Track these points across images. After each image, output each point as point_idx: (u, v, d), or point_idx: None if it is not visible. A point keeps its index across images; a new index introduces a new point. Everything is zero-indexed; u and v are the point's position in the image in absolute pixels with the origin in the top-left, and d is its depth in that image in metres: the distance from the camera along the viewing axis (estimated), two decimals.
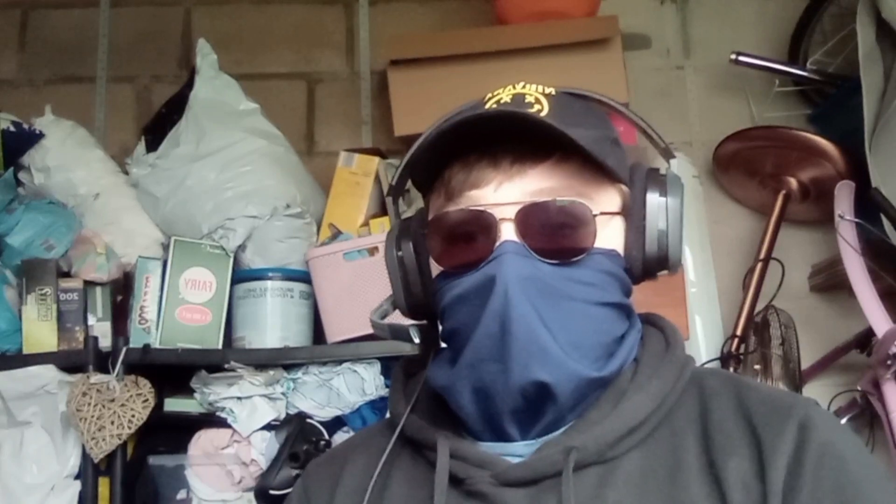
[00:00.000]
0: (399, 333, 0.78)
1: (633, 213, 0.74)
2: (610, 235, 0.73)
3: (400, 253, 0.79)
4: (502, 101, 0.73)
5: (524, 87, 0.75)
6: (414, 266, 0.78)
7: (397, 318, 0.81)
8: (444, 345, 0.77)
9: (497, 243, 0.69)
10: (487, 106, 0.73)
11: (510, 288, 0.67)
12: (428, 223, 0.75)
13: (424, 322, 0.81)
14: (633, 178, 0.76)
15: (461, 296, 0.71)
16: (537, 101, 0.72)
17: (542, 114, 0.70)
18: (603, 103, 0.80)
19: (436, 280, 0.75)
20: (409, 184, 0.84)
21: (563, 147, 0.69)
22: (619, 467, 0.68)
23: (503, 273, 0.68)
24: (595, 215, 0.71)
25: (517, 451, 0.72)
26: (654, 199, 0.74)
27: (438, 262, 0.74)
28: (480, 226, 0.70)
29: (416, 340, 0.76)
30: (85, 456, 1.69)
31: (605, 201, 0.73)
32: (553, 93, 0.75)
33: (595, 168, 0.71)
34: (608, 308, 0.72)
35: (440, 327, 0.77)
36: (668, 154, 0.80)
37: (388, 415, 0.82)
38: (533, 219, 0.69)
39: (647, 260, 0.74)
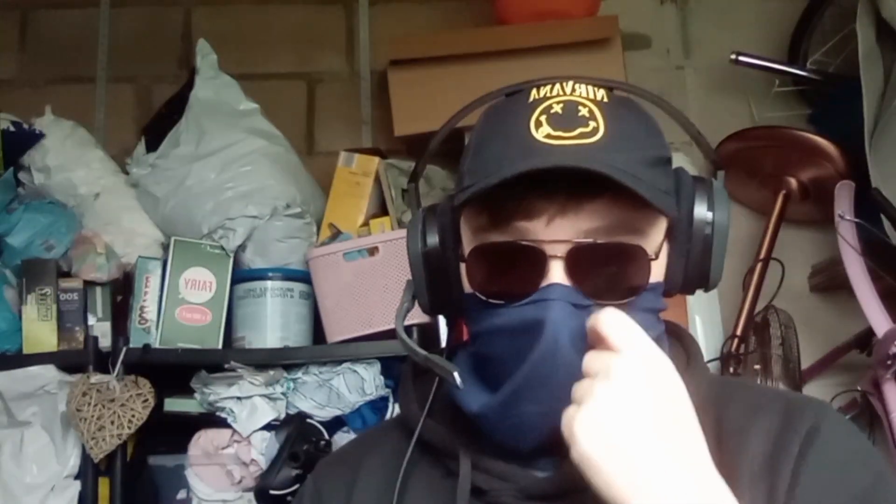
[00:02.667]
0: (439, 370, 0.71)
1: (678, 235, 0.71)
2: (658, 269, 0.70)
3: (424, 245, 0.75)
4: (553, 112, 0.68)
5: (574, 89, 0.70)
6: (440, 261, 0.75)
7: (416, 312, 0.79)
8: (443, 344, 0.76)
9: (545, 283, 0.66)
10: (535, 115, 0.68)
11: (559, 338, 0.64)
12: (471, 249, 0.71)
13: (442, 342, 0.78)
14: (679, 190, 0.72)
15: (502, 328, 0.69)
16: (591, 115, 0.68)
17: (598, 135, 0.66)
18: (650, 103, 0.77)
19: (469, 296, 0.72)
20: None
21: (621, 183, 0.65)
22: None
23: (552, 320, 0.64)
24: (651, 259, 0.68)
25: (540, 465, 0.71)
26: (700, 219, 0.71)
27: (478, 290, 0.71)
28: (529, 261, 0.67)
29: (460, 385, 0.69)
30: (85, 456, 1.70)
31: (655, 232, 0.70)
32: (605, 99, 0.70)
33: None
34: None
35: (458, 328, 0.75)
36: (717, 165, 0.77)
37: (394, 409, 0.80)
38: (584, 260, 0.66)
39: (686, 283, 0.73)
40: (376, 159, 1.95)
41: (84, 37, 2.35)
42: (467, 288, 0.73)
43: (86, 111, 2.26)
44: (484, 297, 0.70)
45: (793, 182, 2.08)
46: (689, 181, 0.73)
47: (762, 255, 2.03)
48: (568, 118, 0.68)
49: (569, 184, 0.65)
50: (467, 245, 0.72)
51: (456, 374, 0.69)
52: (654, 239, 0.70)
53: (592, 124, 0.67)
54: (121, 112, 2.31)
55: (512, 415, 0.67)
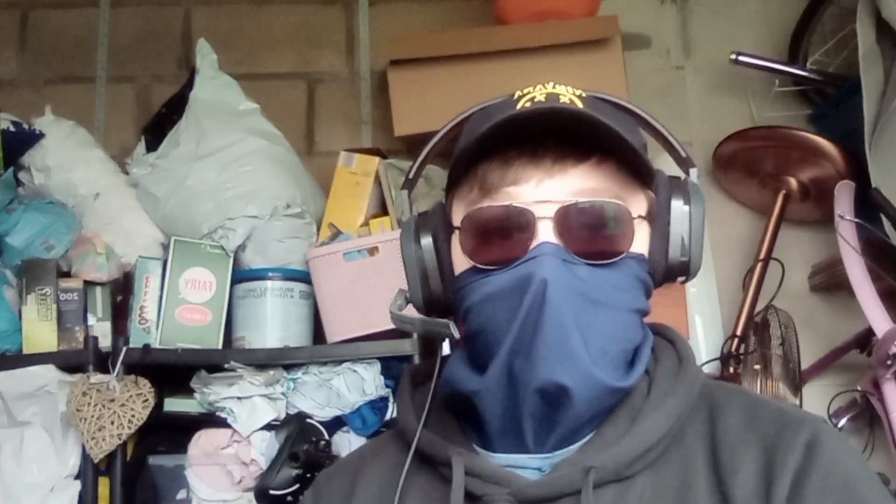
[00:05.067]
0: (433, 329, 0.74)
1: (657, 219, 0.74)
2: (640, 240, 0.73)
3: (418, 247, 0.77)
4: (536, 100, 0.72)
5: (555, 87, 0.74)
6: (433, 260, 0.76)
7: (409, 312, 0.79)
8: (447, 351, 0.76)
9: (534, 243, 0.69)
10: (520, 105, 0.72)
11: (547, 289, 0.66)
12: (463, 217, 0.73)
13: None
14: (656, 183, 0.76)
15: (492, 294, 0.70)
16: (571, 102, 0.71)
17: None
18: (627, 110, 0.79)
19: (461, 276, 0.74)
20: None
21: (603, 148, 0.69)
22: (633, 486, 0.68)
23: (540, 273, 0.66)
24: (633, 218, 0.71)
25: (531, 465, 0.71)
26: (678, 206, 0.74)
27: (470, 258, 0.72)
28: (518, 223, 0.69)
29: (456, 335, 0.73)
30: (85, 456, 1.69)
31: (636, 205, 0.73)
32: (584, 95, 0.74)
33: (629, 172, 0.71)
34: (635, 314, 0.72)
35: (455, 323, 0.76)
36: (689, 163, 0.81)
37: (394, 409, 0.81)
38: (572, 219, 0.69)
39: (669, 266, 0.74)
40: (376, 159, 1.95)
41: (84, 37, 2.36)
42: (459, 268, 0.74)
43: (86, 111, 2.26)
44: (477, 266, 0.71)
45: (793, 182, 2.08)
46: (665, 177, 0.77)
47: (762, 255, 2.03)
48: (550, 104, 0.71)
49: (555, 149, 0.69)
50: (459, 218, 0.74)
51: (451, 324, 0.72)
52: (635, 209, 0.73)
53: (573, 108, 0.71)
54: (121, 112, 2.31)
55: (508, 377, 0.68)
